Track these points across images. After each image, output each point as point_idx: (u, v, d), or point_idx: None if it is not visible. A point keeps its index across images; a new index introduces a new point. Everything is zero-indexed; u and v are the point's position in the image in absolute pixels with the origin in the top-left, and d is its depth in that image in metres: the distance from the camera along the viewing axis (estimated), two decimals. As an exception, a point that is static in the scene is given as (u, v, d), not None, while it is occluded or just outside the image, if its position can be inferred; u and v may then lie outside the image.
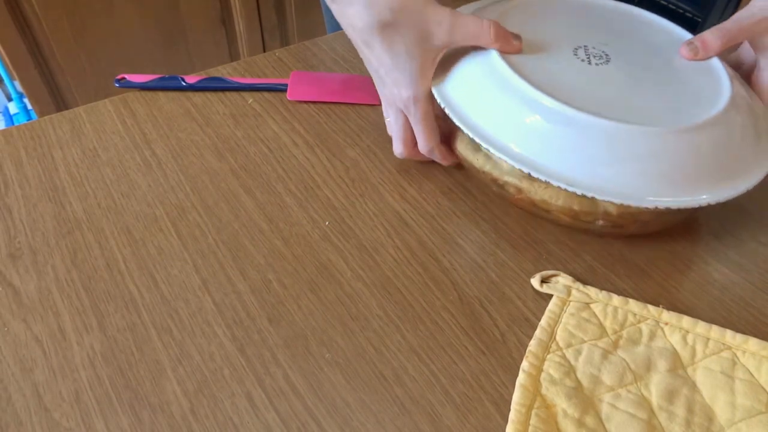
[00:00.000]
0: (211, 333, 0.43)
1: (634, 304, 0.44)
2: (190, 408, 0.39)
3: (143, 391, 0.40)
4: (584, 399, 0.39)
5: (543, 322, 0.43)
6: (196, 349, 0.42)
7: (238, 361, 0.42)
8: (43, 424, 0.38)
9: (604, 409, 0.38)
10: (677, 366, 0.41)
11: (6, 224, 0.50)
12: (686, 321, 0.43)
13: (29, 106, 1.69)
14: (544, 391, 0.39)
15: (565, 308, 0.44)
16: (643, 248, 0.49)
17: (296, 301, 0.45)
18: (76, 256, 0.48)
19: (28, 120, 1.66)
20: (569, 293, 0.45)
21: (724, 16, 1.48)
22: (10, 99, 1.84)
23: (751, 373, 0.41)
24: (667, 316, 0.44)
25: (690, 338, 0.42)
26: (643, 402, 0.39)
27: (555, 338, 0.42)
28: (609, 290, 0.46)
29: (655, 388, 0.40)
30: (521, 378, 0.40)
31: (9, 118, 1.84)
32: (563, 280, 0.46)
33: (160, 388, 0.40)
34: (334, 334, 0.43)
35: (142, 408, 0.39)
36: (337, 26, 0.92)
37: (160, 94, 0.64)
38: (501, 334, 0.44)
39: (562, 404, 0.38)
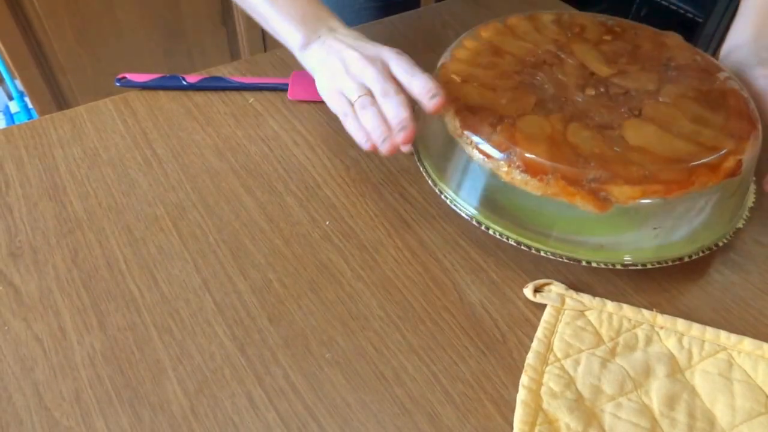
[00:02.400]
0: (211, 332, 0.43)
1: (628, 310, 0.44)
2: (190, 407, 0.39)
3: (143, 391, 0.40)
4: (586, 411, 0.39)
5: (539, 333, 0.43)
6: (197, 348, 0.42)
7: (239, 360, 0.42)
8: (44, 423, 0.38)
9: (607, 419, 0.38)
10: (675, 370, 0.41)
11: (7, 223, 0.50)
12: (680, 324, 0.43)
13: (30, 105, 1.69)
14: (545, 405, 0.39)
15: (560, 317, 0.44)
16: (644, 249, 0.49)
17: (296, 301, 0.45)
18: (76, 255, 0.48)
19: (28, 119, 1.66)
20: (563, 302, 0.45)
21: (724, 16, 1.47)
22: (11, 98, 1.84)
23: (747, 374, 0.41)
24: (661, 320, 0.44)
25: (686, 341, 0.42)
26: (645, 410, 0.39)
27: (552, 349, 0.42)
28: (610, 291, 0.46)
29: (655, 394, 0.40)
30: (522, 394, 0.39)
31: (10, 117, 1.84)
32: (556, 288, 0.46)
33: (160, 387, 0.40)
34: (335, 333, 0.43)
35: (143, 407, 0.39)
36: None
37: (161, 93, 0.64)
38: (501, 334, 0.44)
39: (564, 418, 0.38)
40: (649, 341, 0.42)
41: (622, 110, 0.48)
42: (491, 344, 0.43)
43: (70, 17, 1.44)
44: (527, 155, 0.44)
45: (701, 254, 0.47)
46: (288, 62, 0.69)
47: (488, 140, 0.46)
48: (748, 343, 0.42)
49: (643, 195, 0.43)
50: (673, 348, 0.42)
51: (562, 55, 0.54)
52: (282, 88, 0.64)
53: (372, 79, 0.49)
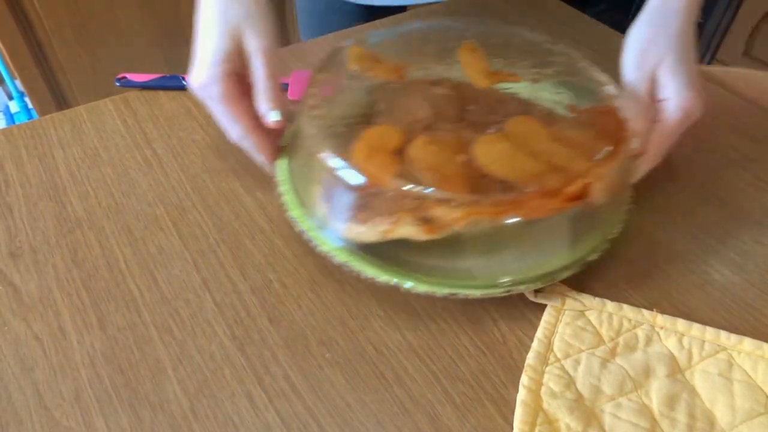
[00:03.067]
0: (211, 332, 0.43)
1: (628, 310, 0.44)
2: (190, 407, 0.39)
3: (143, 390, 0.40)
4: (586, 411, 0.39)
5: (539, 333, 0.43)
6: (197, 348, 0.42)
7: (239, 360, 0.42)
8: (43, 422, 0.38)
9: (607, 420, 0.38)
10: (675, 371, 0.41)
11: (7, 223, 0.50)
12: (681, 324, 0.43)
13: (30, 105, 1.69)
14: (545, 405, 0.39)
15: (560, 317, 0.44)
16: (644, 249, 0.49)
17: (296, 301, 0.45)
18: (76, 255, 0.48)
19: (28, 119, 1.66)
20: (563, 302, 0.45)
21: (724, 16, 1.47)
22: (11, 98, 1.84)
23: (747, 374, 0.41)
24: (661, 320, 0.44)
25: (686, 341, 0.42)
26: (645, 410, 0.39)
27: (552, 349, 0.42)
28: (610, 291, 0.46)
29: (655, 394, 0.40)
30: (522, 394, 0.39)
31: (10, 117, 1.84)
32: (556, 288, 0.45)
33: (160, 387, 0.40)
34: (334, 333, 0.43)
35: (142, 407, 0.39)
36: (311, 33, 0.90)
37: (161, 93, 0.64)
38: (501, 334, 0.44)
39: (564, 418, 0.38)
40: (649, 341, 0.42)
41: (484, 124, 0.45)
42: (491, 344, 0.43)
43: (70, 17, 1.44)
44: (362, 168, 0.41)
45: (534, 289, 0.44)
46: (288, 62, 0.69)
47: (336, 153, 0.42)
48: (748, 343, 0.42)
49: (465, 217, 0.40)
50: (673, 348, 0.42)
51: (444, 64, 0.51)
52: (282, 88, 0.64)
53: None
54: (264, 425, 0.38)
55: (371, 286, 0.46)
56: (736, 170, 0.57)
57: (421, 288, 0.42)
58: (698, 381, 0.40)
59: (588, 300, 0.45)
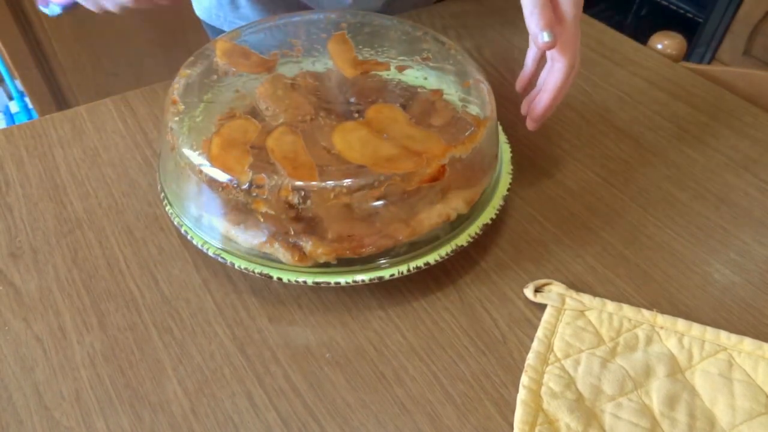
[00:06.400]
0: (211, 332, 0.43)
1: (628, 310, 0.44)
2: (190, 407, 0.39)
3: (144, 391, 0.40)
4: (586, 411, 0.39)
5: (539, 333, 0.43)
6: (197, 348, 0.42)
7: (239, 360, 0.42)
8: (44, 423, 0.38)
9: (607, 420, 0.38)
10: (675, 371, 0.41)
11: (7, 223, 0.50)
12: (681, 324, 0.43)
13: (30, 105, 1.69)
14: (545, 405, 0.39)
15: (560, 317, 0.44)
16: (644, 249, 0.49)
17: (296, 301, 0.45)
18: (76, 255, 0.48)
19: (29, 119, 1.66)
20: (563, 302, 0.45)
21: (724, 16, 1.48)
22: (11, 98, 1.84)
23: (748, 374, 0.41)
24: (661, 320, 0.43)
25: (686, 341, 0.42)
26: (645, 410, 0.39)
27: (553, 349, 0.42)
28: (610, 291, 0.46)
29: (655, 394, 0.40)
30: (522, 394, 0.39)
31: (10, 117, 1.84)
32: (556, 288, 0.45)
33: (160, 387, 0.40)
34: (334, 333, 0.43)
35: (143, 407, 0.39)
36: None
37: (161, 93, 0.64)
38: (501, 334, 0.44)
39: (564, 418, 0.38)
40: (649, 341, 0.42)
41: (348, 113, 0.46)
42: (491, 344, 0.43)
43: (69, 17, 1.44)
44: (217, 161, 0.42)
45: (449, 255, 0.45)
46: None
47: (192, 148, 0.43)
48: (748, 343, 0.42)
49: (330, 254, 0.42)
50: (673, 348, 0.42)
51: (314, 56, 0.52)
52: None
53: None
54: (264, 425, 0.38)
55: (371, 286, 0.46)
56: (736, 170, 0.57)
57: (290, 276, 0.44)
58: (698, 381, 0.40)
59: (588, 300, 0.45)
